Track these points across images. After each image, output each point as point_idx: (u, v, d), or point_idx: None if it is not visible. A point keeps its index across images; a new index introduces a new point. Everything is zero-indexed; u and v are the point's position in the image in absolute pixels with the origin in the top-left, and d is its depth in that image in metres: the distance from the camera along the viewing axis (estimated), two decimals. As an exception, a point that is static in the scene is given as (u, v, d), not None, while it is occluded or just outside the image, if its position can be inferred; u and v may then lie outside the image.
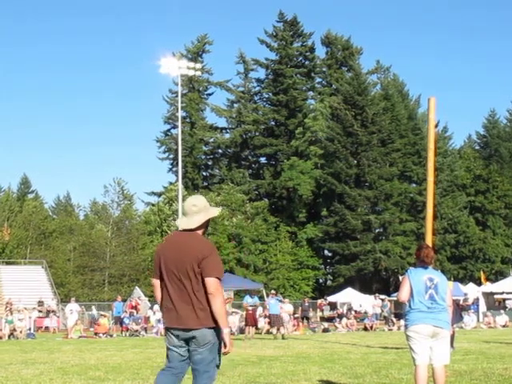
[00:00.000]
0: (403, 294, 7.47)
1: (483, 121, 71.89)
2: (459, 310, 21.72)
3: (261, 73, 76.58)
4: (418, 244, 13.65)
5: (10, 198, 75.34)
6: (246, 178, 72.36)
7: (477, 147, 71.93)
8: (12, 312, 34.31)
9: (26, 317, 34.62)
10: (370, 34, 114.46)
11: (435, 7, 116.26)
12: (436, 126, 62.40)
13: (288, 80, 70.83)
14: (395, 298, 41.17)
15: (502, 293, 46.64)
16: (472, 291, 45.80)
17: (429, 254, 7.58)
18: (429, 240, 14.02)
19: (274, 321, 27.11)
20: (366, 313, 41.76)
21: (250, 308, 26.68)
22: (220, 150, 76.17)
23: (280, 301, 28.28)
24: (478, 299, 44.75)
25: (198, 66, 58.72)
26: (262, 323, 32.00)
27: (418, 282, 7.40)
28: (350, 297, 50.81)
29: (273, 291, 30.72)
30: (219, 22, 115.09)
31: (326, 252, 68.51)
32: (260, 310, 33.11)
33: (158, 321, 34.07)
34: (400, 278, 8.26)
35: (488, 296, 46.35)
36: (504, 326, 35.51)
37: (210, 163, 77.06)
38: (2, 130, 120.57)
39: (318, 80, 76.33)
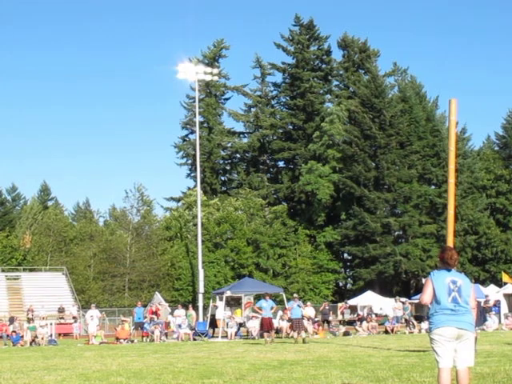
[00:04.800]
0: (426, 297, 7.41)
1: (502, 121, 71.29)
2: (483, 312, 21.53)
3: (278, 77, 76.60)
4: (438, 246, 13.55)
5: (35, 207, 75.79)
6: (264, 182, 72.33)
7: (496, 148, 71.34)
8: (33, 319, 34.48)
9: (48, 323, 34.80)
10: (387, 37, 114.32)
11: (451, 9, 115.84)
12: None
13: (305, 84, 70.77)
14: (416, 301, 40.96)
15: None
16: (493, 293, 45.45)
17: (453, 256, 7.51)
18: (450, 242, 13.93)
19: (296, 325, 27.02)
20: (386, 316, 41.53)
21: (266, 314, 26.65)
22: (238, 155, 76.17)
23: (299, 306, 28.14)
24: (499, 301, 44.39)
25: (215, 70, 58.78)
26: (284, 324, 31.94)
27: (441, 284, 7.34)
28: (370, 300, 50.63)
29: (295, 295, 30.51)
30: (235, 27, 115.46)
31: (345, 255, 68.34)
32: (280, 313, 33.07)
33: (179, 326, 34.15)
34: (422, 280, 8.15)
35: (509, 298, 45.98)
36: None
37: (228, 168, 77.13)
38: (21, 137, 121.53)
39: (335, 83, 76.16)
